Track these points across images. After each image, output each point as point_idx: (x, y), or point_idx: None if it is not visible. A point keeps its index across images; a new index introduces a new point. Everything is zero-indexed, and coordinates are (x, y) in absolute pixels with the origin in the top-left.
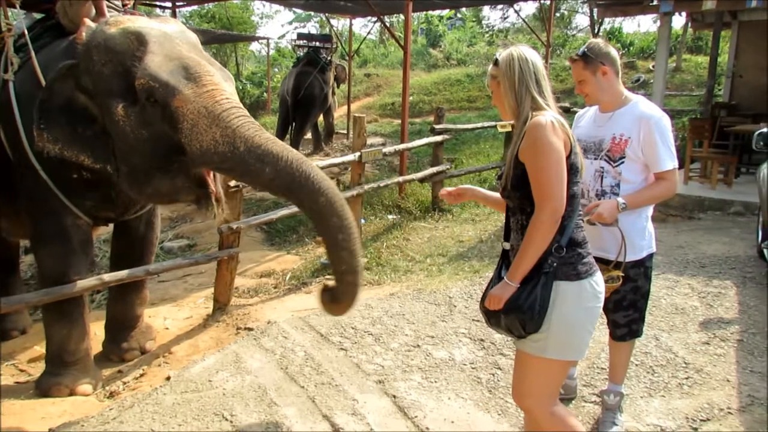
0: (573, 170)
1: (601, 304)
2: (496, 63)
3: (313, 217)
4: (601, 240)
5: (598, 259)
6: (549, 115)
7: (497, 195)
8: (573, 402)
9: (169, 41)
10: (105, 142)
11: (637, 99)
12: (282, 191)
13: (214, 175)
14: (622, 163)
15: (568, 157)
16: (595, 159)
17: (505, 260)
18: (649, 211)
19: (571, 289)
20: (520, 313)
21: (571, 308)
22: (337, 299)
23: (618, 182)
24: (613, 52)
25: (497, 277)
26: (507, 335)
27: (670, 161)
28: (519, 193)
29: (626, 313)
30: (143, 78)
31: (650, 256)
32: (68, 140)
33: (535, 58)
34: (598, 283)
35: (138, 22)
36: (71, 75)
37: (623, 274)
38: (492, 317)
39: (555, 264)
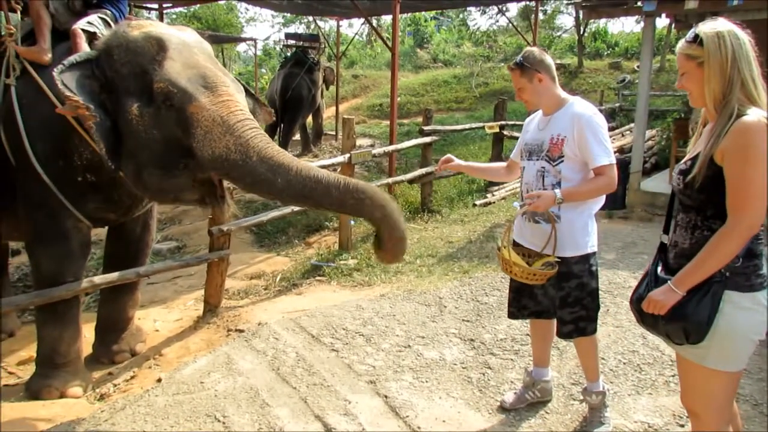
0: None
1: None
2: (696, 41)
3: (342, 210)
4: (533, 235)
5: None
6: (759, 113)
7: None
8: (563, 401)
9: (188, 49)
10: (110, 135)
11: (573, 100)
12: (295, 199)
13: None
14: (561, 162)
15: None
16: (538, 160)
17: (662, 254)
18: (593, 209)
19: (742, 301)
20: (685, 322)
21: (739, 320)
22: (387, 250)
23: (558, 181)
24: (548, 59)
25: (653, 274)
26: (663, 339)
27: (605, 157)
28: (704, 196)
29: (572, 309)
30: (162, 82)
31: (594, 253)
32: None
33: (744, 36)
34: None
35: (159, 28)
36: (90, 66)
37: (559, 259)
38: (647, 319)
39: (727, 274)
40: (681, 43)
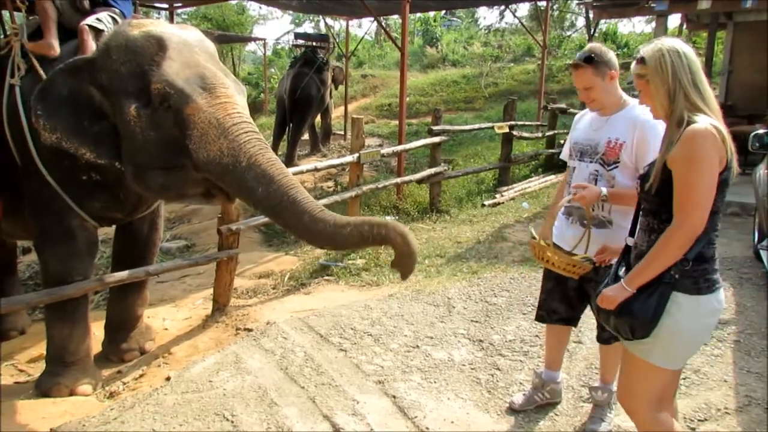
0: (723, 186)
1: (717, 321)
2: (642, 61)
3: (301, 235)
4: (575, 238)
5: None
6: (707, 121)
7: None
8: (572, 402)
9: (189, 49)
10: (113, 138)
11: (633, 102)
12: (268, 212)
13: None
14: (616, 167)
15: (722, 172)
16: (591, 162)
17: (626, 256)
18: None
19: (688, 303)
20: (631, 318)
21: (684, 321)
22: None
23: (612, 186)
24: (614, 56)
25: (614, 274)
26: (614, 333)
27: None
28: (659, 199)
29: None
30: (159, 83)
31: None
32: (70, 132)
33: (687, 50)
34: (719, 300)
35: (160, 27)
36: (86, 70)
37: (594, 258)
38: (602, 313)
39: (677, 276)
40: (632, 64)
